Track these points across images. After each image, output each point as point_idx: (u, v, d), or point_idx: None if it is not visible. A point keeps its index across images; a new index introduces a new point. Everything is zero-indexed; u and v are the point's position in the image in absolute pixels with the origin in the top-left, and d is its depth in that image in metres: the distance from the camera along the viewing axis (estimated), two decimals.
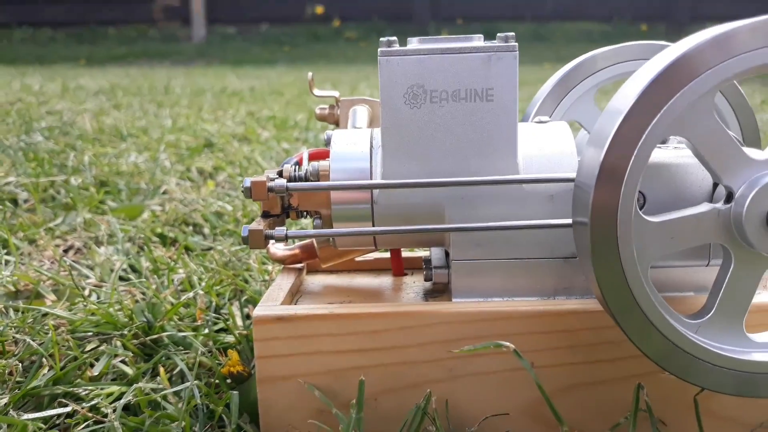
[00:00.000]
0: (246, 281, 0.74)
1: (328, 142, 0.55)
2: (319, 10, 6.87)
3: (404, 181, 0.48)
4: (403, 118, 0.49)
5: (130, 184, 1.11)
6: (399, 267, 0.61)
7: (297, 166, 0.55)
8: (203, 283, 0.70)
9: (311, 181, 0.53)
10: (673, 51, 0.40)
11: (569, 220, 0.47)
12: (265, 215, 0.49)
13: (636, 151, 0.40)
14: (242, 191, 0.49)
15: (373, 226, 0.51)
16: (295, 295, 0.56)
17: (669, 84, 0.39)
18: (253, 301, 0.68)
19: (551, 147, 0.51)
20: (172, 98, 2.66)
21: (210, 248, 0.84)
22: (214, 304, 0.67)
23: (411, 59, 0.48)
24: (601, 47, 0.64)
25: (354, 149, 0.52)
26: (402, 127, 0.49)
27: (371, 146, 0.52)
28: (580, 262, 0.44)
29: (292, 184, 0.48)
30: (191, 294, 0.67)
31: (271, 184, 0.48)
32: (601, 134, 0.41)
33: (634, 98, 0.39)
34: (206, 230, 0.92)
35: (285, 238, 0.48)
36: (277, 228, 0.48)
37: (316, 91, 0.66)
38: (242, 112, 2.18)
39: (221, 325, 0.65)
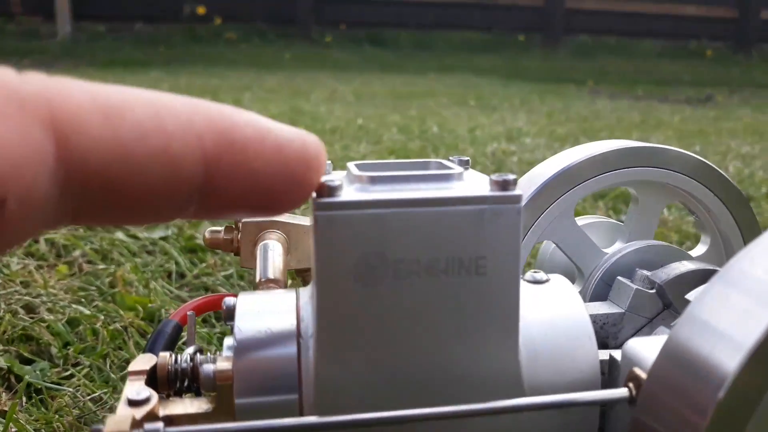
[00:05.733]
0: None
1: (229, 316, 0.36)
2: (201, 10, 6.46)
3: (352, 417, 0.30)
4: (352, 301, 0.32)
5: None
6: None
7: (176, 356, 0.36)
8: None
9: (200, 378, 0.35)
10: None
11: None
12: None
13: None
14: None
15: None
16: None
17: None
18: None
19: (562, 329, 0.35)
20: None
21: (58, 386, 0.62)
22: None
23: (365, 217, 0.31)
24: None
25: (271, 341, 0.33)
26: (349, 314, 0.32)
27: (298, 331, 0.34)
28: None
29: (172, 430, 0.29)
30: None
31: None
32: (701, 360, 0.25)
33: (762, 331, 0.24)
34: (54, 349, 0.69)
35: None
36: None
37: None
38: None
39: None
